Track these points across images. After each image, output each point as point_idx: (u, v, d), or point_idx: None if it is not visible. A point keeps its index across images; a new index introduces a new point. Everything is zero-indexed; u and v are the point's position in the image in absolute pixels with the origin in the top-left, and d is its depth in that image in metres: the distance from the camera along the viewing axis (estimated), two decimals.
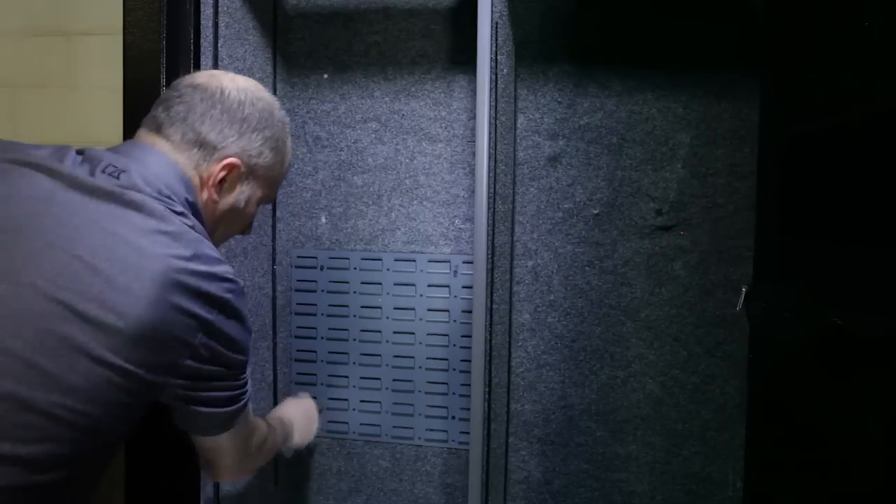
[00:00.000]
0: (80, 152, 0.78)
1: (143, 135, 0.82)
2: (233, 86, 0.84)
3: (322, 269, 1.41)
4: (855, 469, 0.85)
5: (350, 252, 1.40)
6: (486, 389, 1.10)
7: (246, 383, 0.84)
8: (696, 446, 1.28)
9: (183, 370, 0.73)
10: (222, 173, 0.82)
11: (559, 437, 1.34)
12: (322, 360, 1.43)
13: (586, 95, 1.29)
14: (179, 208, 0.76)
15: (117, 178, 0.74)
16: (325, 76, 1.39)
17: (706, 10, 1.23)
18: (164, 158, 0.79)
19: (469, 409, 1.09)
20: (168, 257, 0.70)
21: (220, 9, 1.13)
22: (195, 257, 0.72)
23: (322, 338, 1.43)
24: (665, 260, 1.27)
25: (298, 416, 1.23)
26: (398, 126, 1.37)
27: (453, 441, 1.37)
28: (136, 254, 0.69)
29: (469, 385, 1.08)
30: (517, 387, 1.35)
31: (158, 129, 0.81)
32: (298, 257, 1.42)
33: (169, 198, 0.75)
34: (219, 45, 1.13)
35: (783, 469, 1.08)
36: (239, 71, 1.21)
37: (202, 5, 1.08)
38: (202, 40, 1.08)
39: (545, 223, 1.32)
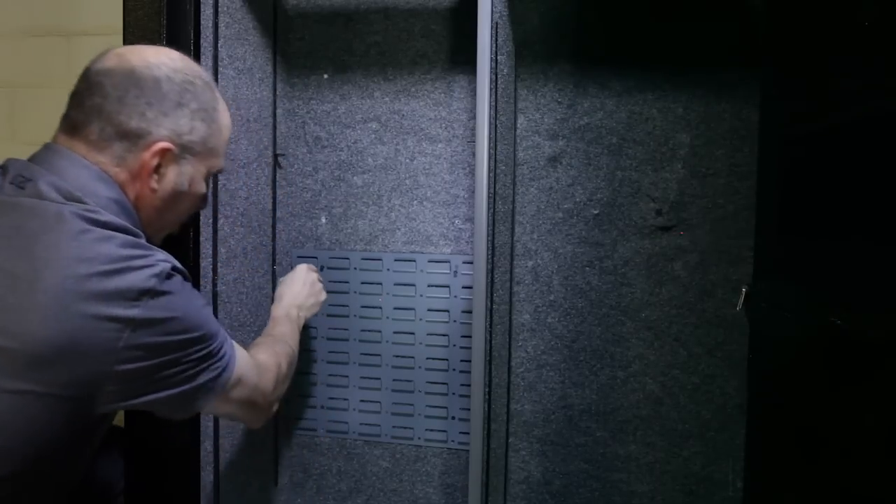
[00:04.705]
0: (2, 166, 0.75)
1: (60, 137, 0.77)
2: (144, 63, 0.77)
3: (322, 269, 1.41)
4: (855, 469, 0.85)
5: (350, 252, 1.40)
6: (486, 389, 1.10)
7: (218, 349, 0.79)
8: (696, 446, 1.28)
9: (114, 376, 0.68)
10: (155, 160, 0.77)
11: (559, 437, 1.34)
12: (322, 360, 1.43)
13: (586, 95, 1.29)
14: (94, 208, 0.71)
15: (23, 188, 0.70)
16: (325, 76, 1.39)
17: (706, 10, 1.23)
18: (79, 161, 0.74)
19: (469, 409, 1.08)
20: (68, 265, 0.66)
21: (220, 9, 1.13)
22: (102, 256, 0.68)
23: (322, 338, 1.43)
24: (665, 260, 1.27)
25: (292, 296, 1.17)
26: (398, 126, 1.37)
27: (453, 441, 1.37)
28: (31, 267, 0.65)
29: (469, 385, 1.08)
30: (517, 387, 1.35)
31: (74, 130, 0.76)
32: (298, 257, 1.42)
33: (80, 201, 0.71)
34: (219, 45, 1.13)
35: (783, 469, 1.08)
36: (239, 71, 1.21)
37: (202, 5, 1.08)
38: (202, 40, 1.08)
39: (545, 223, 1.32)
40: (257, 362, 0.92)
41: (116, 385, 0.69)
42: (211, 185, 0.91)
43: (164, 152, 0.78)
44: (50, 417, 0.66)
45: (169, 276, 0.73)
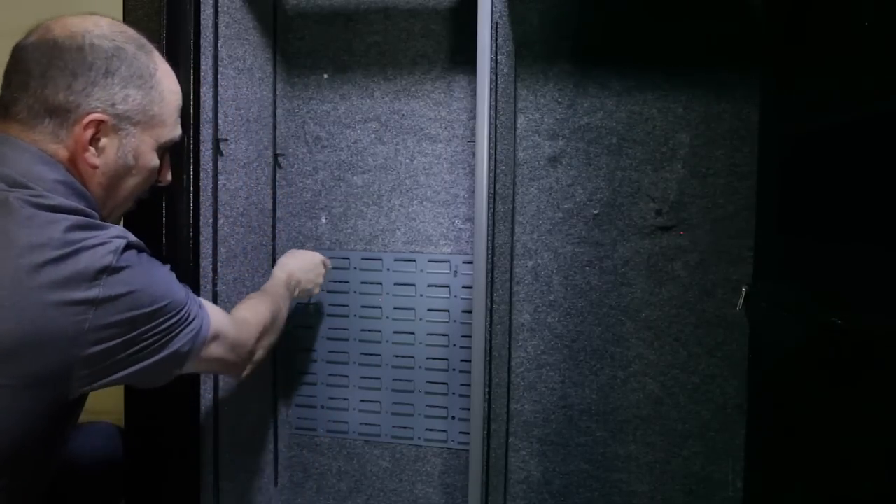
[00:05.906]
0: None
1: None
2: (66, 34, 0.73)
3: None
4: (855, 469, 0.85)
5: (350, 252, 1.40)
6: (486, 389, 1.10)
7: (187, 315, 0.77)
8: (696, 446, 1.28)
9: (85, 359, 0.67)
10: (88, 133, 0.73)
11: (559, 437, 1.34)
12: (322, 360, 1.43)
13: (586, 95, 1.29)
14: (41, 193, 0.69)
15: None
16: (325, 76, 1.39)
17: (706, 9, 1.23)
18: (18, 144, 0.71)
19: (469, 409, 1.09)
20: (20, 254, 0.64)
21: (220, 9, 1.13)
22: (53, 241, 0.65)
23: (322, 338, 1.43)
24: (665, 260, 1.27)
25: (295, 264, 1.19)
26: (398, 126, 1.37)
27: (453, 441, 1.37)
28: None
29: (469, 385, 1.08)
30: (517, 387, 1.35)
31: (5, 111, 0.73)
32: None
33: (25, 186, 0.68)
34: (219, 45, 1.13)
35: (783, 469, 1.08)
36: (239, 71, 1.21)
37: (202, 5, 1.08)
38: (202, 40, 1.08)
39: (545, 223, 1.32)
40: (236, 318, 0.91)
41: (89, 368, 0.68)
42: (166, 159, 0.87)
43: (97, 124, 0.74)
44: (25, 408, 0.65)
45: (124, 251, 0.71)
